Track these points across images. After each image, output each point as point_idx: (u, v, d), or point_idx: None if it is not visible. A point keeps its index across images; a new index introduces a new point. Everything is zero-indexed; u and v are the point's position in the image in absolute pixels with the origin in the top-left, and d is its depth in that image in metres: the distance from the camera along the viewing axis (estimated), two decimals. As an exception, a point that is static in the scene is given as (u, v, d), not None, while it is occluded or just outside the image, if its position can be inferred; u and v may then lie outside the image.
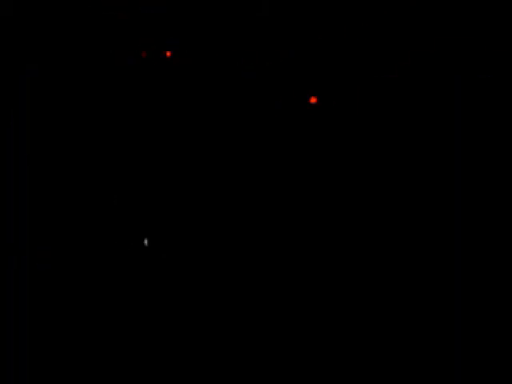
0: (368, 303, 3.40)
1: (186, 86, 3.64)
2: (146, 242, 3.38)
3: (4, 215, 3.50)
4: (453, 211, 3.45)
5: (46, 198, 3.56)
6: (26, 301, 3.43)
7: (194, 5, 3.64)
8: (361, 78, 3.55)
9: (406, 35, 3.52)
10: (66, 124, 3.62)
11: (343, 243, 3.47)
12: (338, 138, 3.55)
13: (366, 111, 3.54)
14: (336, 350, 3.37)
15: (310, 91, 3.56)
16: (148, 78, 3.64)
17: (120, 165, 3.60)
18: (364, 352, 3.35)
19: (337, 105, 3.56)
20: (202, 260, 3.51)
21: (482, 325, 3.32)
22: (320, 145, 3.56)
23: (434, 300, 3.38)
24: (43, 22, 3.61)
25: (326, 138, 3.56)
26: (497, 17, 3.48)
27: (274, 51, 3.60)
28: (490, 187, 3.45)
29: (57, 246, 3.52)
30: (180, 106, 3.63)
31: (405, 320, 3.37)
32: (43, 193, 3.56)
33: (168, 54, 3.35)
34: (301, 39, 3.58)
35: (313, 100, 3.28)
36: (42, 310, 3.43)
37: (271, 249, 3.50)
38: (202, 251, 3.52)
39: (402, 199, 3.48)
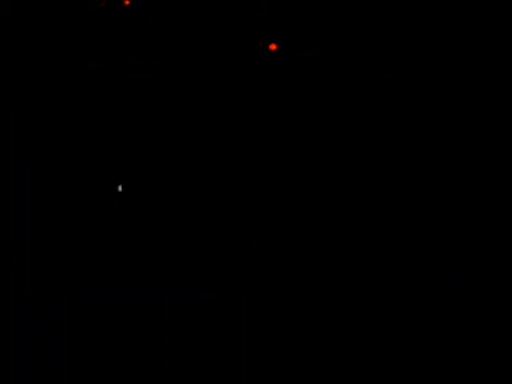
0: (367, 302, 3.40)
1: (186, 84, 3.64)
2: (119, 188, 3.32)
3: (4, 215, 3.50)
4: (453, 210, 3.45)
5: (46, 197, 3.56)
6: (25, 300, 3.43)
7: (194, 5, 3.64)
8: (361, 77, 3.55)
9: (405, 35, 3.52)
10: (66, 123, 3.62)
11: (342, 242, 3.47)
12: (339, 137, 3.55)
13: (366, 111, 3.54)
14: (335, 348, 3.37)
15: (307, 87, 3.56)
16: (147, 77, 3.63)
17: (120, 164, 3.60)
18: (363, 350, 3.36)
19: (337, 104, 3.55)
20: (203, 257, 3.51)
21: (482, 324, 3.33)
22: (320, 144, 3.55)
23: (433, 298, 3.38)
24: (43, 22, 3.61)
25: (327, 137, 3.55)
26: (497, 17, 3.48)
27: (274, 51, 3.60)
28: (489, 186, 3.45)
29: (57, 245, 3.52)
30: (179, 103, 3.63)
31: (404, 320, 3.37)
32: (43, 193, 3.56)
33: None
34: (301, 39, 3.58)
35: (272, 47, 3.27)
36: (41, 310, 3.43)
37: (270, 248, 3.50)
38: (201, 250, 3.52)
39: (403, 198, 3.48)
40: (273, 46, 3.29)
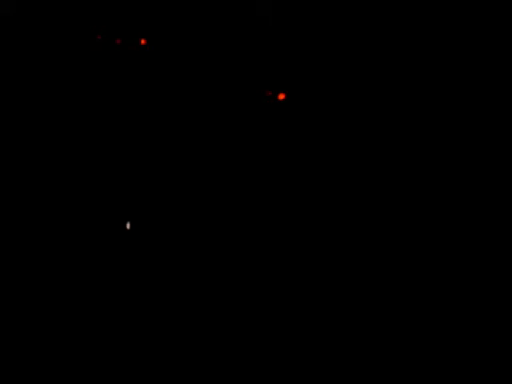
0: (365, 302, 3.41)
1: (185, 82, 3.65)
2: (128, 225, 3.36)
3: (4, 215, 3.52)
4: (452, 211, 3.45)
5: (46, 197, 3.57)
6: (25, 301, 3.44)
7: (193, 4, 3.64)
8: (361, 77, 3.55)
9: (405, 35, 3.52)
10: (66, 123, 3.63)
11: (341, 242, 3.48)
12: (338, 138, 3.55)
13: (366, 111, 3.54)
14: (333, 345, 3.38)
15: (300, 90, 3.57)
16: (145, 73, 3.64)
17: (120, 164, 3.61)
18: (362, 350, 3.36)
19: (337, 105, 3.56)
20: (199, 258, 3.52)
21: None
22: (320, 144, 3.56)
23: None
24: (43, 22, 3.62)
25: (326, 137, 3.56)
26: (497, 17, 3.48)
27: (273, 50, 3.60)
28: (489, 187, 3.45)
29: (56, 245, 3.53)
30: (176, 100, 3.64)
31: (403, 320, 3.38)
32: (43, 192, 3.57)
33: (142, 42, 3.36)
34: (300, 39, 3.59)
35: (281, 97, 3.28)
36: (41, 310, 3.45)
37: (268, 246, 3.51)
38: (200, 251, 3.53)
39: (402, 199, 3.48)
40: (281, 96, 3.30)
